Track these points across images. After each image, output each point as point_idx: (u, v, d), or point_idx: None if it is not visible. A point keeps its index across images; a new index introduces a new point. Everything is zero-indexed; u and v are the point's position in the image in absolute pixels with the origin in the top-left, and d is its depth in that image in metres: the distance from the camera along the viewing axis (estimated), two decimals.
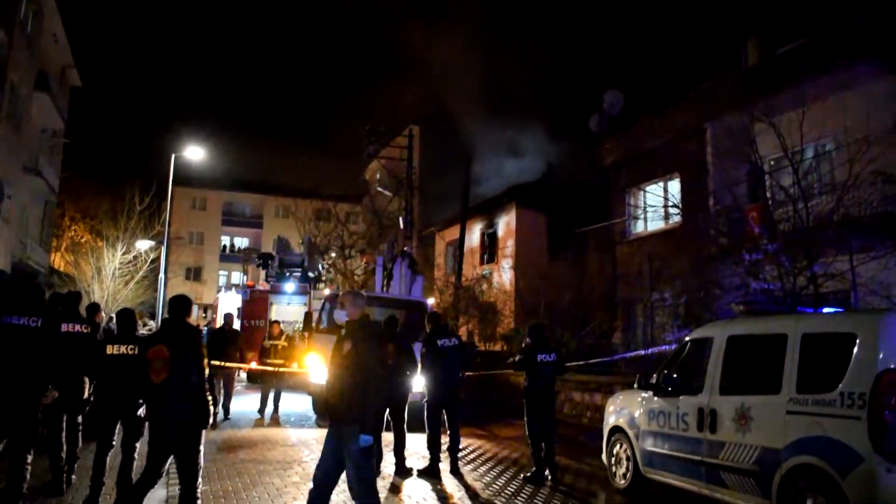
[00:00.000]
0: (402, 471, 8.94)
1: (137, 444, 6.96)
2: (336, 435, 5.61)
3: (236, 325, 28.81)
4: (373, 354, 5.46)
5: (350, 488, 5.57)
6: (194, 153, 29.12)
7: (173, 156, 28.43)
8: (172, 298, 6.26)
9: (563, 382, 14.32)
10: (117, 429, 7.09)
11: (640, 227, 19.58)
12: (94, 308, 8.61)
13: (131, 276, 32.01)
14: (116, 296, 30.23)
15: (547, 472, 9.01)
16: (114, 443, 7.02)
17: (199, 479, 5.79)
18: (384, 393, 5.50)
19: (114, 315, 9.98)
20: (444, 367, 9.30)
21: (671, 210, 15.68)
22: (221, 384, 13.46)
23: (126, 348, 7.00)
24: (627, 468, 8.42)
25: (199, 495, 5.78)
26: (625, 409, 8.70)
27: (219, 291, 32.89)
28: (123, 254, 31.75)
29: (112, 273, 31.33)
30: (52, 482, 7.14)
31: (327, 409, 5.82)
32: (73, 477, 7.45)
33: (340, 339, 5.72)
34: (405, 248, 20.44)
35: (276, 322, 14.31)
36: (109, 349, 7.04)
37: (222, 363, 13.19)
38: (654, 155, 17.82)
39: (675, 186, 17.47)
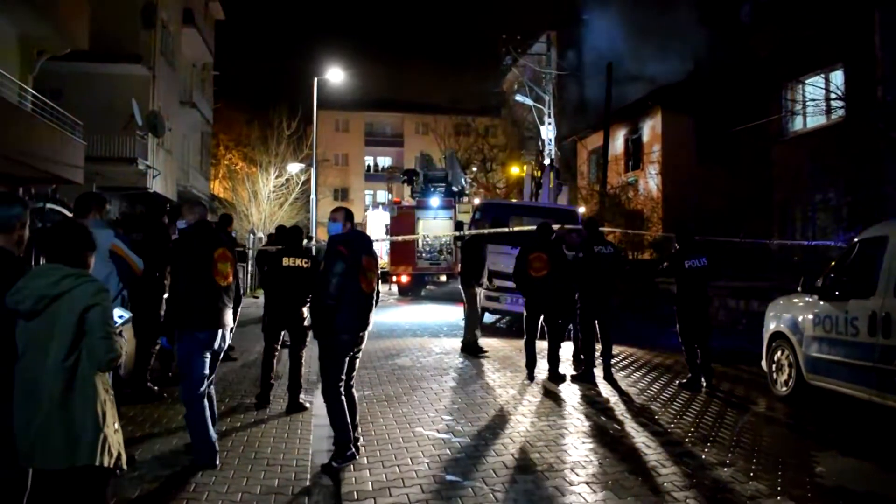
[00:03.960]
0: (556, 377, 9.04)
1: (303, 353, 7.52)
2: None
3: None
4: (193, 260, 5.32)
5: None
6: (335, 75, 29.82)
7: (316, 79, 29.26)
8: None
9: (717, 289, 13.91)
10: (283, 336, 7.71)
11: (798, 125, 18.35)
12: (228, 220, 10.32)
13: (285, 198, 33.60)
14: (272, 217, 31.90)
15: (703, 379, 8.89)
16: (277, 347, 7.63)
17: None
18: (203, 297, 5.25)
19: (270, 232, 11.08)
20: (598, 273, 9.21)
21: (834, 103, 14.57)
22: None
23: (301, 261, 7.55)
24: (789, 375, 8.18)
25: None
26: (787, 315, 8.39)
27: (366, 210, 34.05)
28: (276, 178, 33.35)
29: (267, 196, 33.04)
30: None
31: None
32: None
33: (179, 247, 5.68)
34: (551, 158, 20.29)
35: None
36: (285, 261, 7.56)
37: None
38: (814, 43, 16.43)
39: (838, 77, 16.11)
